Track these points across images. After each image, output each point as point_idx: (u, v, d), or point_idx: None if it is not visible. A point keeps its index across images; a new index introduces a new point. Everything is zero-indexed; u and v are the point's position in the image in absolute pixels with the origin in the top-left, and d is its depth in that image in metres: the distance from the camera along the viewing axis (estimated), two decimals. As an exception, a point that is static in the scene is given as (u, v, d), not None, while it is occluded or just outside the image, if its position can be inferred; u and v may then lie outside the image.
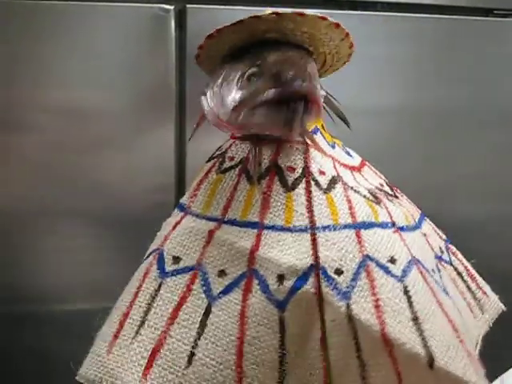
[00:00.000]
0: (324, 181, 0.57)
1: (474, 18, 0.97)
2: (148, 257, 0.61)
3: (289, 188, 0.56)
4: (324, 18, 0.54)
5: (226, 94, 0.55)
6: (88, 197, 0.89)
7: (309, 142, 0.58)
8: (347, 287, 0.52)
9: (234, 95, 0.54)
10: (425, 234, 0.63)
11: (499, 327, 0.68)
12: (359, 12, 0.95)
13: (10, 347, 0.89)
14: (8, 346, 0.89)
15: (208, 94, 0.59)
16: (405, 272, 0.54)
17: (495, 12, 0.98)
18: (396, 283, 0.53)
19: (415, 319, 0.52)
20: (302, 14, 0.53)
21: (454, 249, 0.69)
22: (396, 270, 0.54)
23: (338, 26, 0.56)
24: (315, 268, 0.53)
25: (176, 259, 0.57)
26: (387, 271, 0.54)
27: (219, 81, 0.57)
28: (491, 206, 1.03)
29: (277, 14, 0.53)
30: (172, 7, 0.88)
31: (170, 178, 0.92)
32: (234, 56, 0.57)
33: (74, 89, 0.87)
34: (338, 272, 0.53)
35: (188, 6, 0.88)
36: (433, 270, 0.59)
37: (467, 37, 0.98)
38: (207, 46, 0.58)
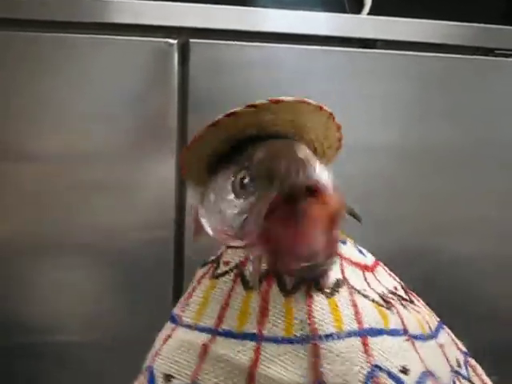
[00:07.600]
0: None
1: (475, 57, 0.98)
2: (141, 375, 0.56)
3: (288, 292, 0.52)
4: (304, 102, 0.51)
5: (224, 208, 0.50)
6: (87, 232, 0.87)
7: None
8: None
9: (234, 209, 0.49)
10: (441, 345, 0.57)
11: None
12: (358, 49, 0.95)
13: (3, 377, 0.87)
14: (1, 376, 0.87)
15: (204, 210, 0.54)
16: None
17: (496, 52, 0.99)
18: None
19: None
20: (278, 101, 0.50)
21: (473, 362, 0.63)
22: (409, 381, 0.50)
23: (321, 108, 0.52)
24: None
25: (168, 377, 0.52)
26: (399, 382, 0.49)
27: (211, 195, 0.53)
28: (490, 247, 1.02)
29: (252, 105, 0.50)
30: (175, 41, 0.86)
31: (170, 214, 0.90)
32: (218, 163, 0.53)
33: (73, 122, 0.85)
34: None
35: (191, 40, 0.87)
36: None
37: (468, 75, 0.97)
38: (187, 158, 0.55)
